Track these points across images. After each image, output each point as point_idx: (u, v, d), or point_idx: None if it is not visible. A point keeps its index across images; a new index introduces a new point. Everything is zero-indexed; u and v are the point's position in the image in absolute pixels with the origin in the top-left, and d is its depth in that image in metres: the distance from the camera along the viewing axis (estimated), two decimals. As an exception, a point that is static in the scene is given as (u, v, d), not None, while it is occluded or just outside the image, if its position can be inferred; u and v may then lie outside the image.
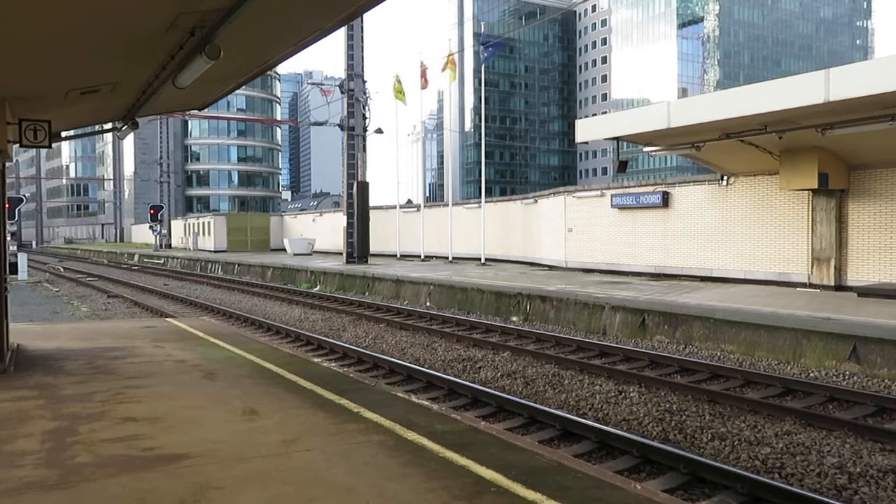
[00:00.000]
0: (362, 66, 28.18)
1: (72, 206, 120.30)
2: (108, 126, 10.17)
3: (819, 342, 10.36)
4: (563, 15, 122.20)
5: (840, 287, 15.26)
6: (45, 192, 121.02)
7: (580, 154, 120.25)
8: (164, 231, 56.70)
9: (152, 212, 54.65)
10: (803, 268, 16.19)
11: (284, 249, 42.93)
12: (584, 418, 7.37)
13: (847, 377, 9.53)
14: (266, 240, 48.63)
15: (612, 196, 21.44)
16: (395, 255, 33.68)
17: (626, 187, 21.32)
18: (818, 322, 10.60)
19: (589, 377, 9.78)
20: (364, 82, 28.26)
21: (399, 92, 30.47)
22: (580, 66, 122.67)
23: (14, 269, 21.58)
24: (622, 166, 15.95)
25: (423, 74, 29.49)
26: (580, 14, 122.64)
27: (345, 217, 28.81)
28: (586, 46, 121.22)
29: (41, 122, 7.46)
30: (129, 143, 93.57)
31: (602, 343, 11.97)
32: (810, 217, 15.93)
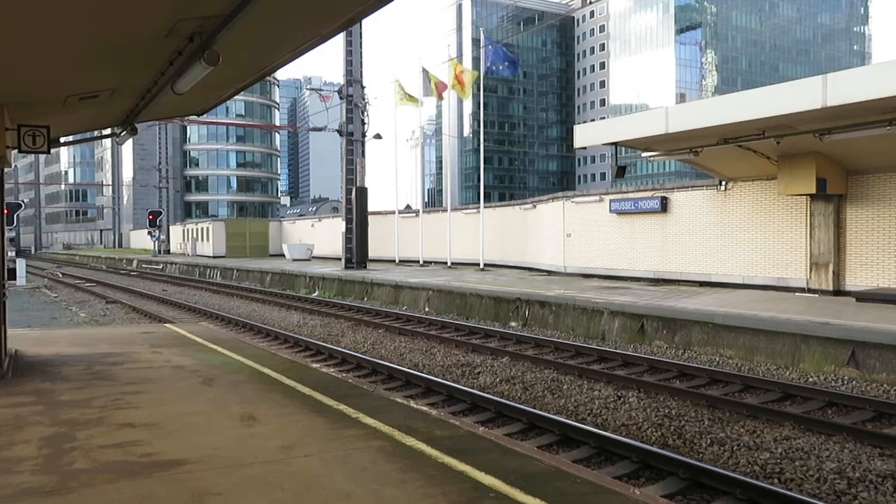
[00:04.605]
0: (361, 72, 28.23)
1: (70, 212, 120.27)
2: (107, 131, 10.18)
3: (818, 347, 10.36)
4: (562, 20, 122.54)
5: (838, 292, 15.28)
6: (43, 198, 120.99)
7: (578, 159, 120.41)
8: (163, 237, 56.70)
9: (151, 217, 54.67)
10: (802, 273, 16.21)
11: (283, 255, 42.92)
12: (583, 423, 7.36)
13: (846, 382, 9.53)
14: (265, 245, 48.62)
15: (610, 201, 21.47)
16: (394, 261, 33.68)
17: (624, 192, 21.35)
18: (817, 327, 10.61)
19: (588, 382, 9.77)
20: (363, 88, 28.31)
21: (404, 98, 30.49)
22: (578, 72, 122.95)
23: (12, 274, 21.57)
24: (620, 171, 15.97)
25: (438, 87, 29.51)
26: (578, 20, 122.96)
27: (343, 222, 28.82)
28: (584, 52, 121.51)
29: (40, 128, 7.47)
30: (127, 148, 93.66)
31: (601, 348, 11.96)
32: (808, 222, 15.95)
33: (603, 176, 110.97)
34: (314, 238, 44.04)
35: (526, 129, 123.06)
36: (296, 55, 5.86)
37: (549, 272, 24.17)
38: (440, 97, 31.01)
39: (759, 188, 17.14)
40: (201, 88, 6.14)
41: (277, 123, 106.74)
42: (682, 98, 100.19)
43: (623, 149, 16.31)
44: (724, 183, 17.94)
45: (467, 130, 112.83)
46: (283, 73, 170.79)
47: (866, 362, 9.75)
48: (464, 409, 8.32)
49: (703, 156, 15.23)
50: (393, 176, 35.66)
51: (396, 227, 33.89)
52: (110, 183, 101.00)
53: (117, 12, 4.37)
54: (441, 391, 9.07)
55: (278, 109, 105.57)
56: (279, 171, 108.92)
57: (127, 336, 10.84)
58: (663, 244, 19.74)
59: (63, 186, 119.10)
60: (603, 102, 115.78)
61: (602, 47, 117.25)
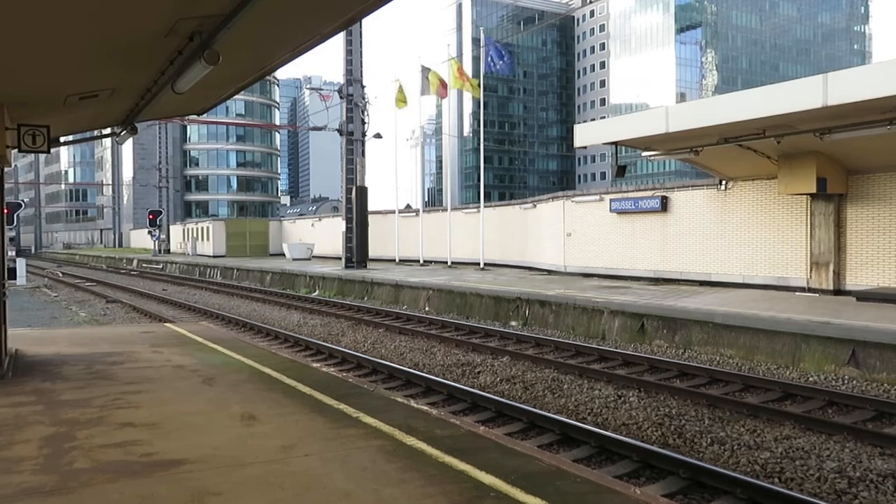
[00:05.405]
0: (361, 71, 28.22)
1: (70, 212, 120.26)
2: (107, 131, 10.18)
3: (818, 346, 10.36)
4: (562, 20, 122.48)
5: (839, 291, 15.27)
6: (43, 198, 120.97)
7: (579, 159, 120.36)
8: (163, 236, 56.71)
9: (151, 217, 54.69)
10: (802, 272, 16.20)
11: (283, 254, 42.93)
12: (584, 423, 7.36)
13: (846, 381, 9.53)
14: (265, 245, 48.62)
15: (610, 201, 21.46)
16: (394, 260, 33.68)
17: (624, 192, 21.35)
18: (817, 326, 10.60)
19: (588, 382, 9.77)
20: (363, 87, 28.30)
21: (400, 100, 30.54)
22: (578, 71, 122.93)
23: (13, 274, 21.57)
24: (621, 171, 15.96)
25: (441, 85, 29.52)
26: (578, 19, 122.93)
27: (344, 222, 28.82)
28: (585, 51, 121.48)
29: (40, 128, 7.47)
30: (127, 148, 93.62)
31: (601, 347, 11.96)
32: (809, 221, 15.94)
33: (603, 175, 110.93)
34: (314, 237, 44.04)
35: (526, 128, 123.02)
36: (296, 54, 5.86)
37: (550, 272, 24.17)
38: (443, 96, 30.96)
39: (760, 188, 17.14)
40: (201, 88, 6.14)
41: (277, 123, 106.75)
42: (682, 97, 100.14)
43: (623, 148, 16.31)
44: (724, 182, 17.94)
45: (467, 130, 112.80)
46: (282, 73, 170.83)
47: (867, 362, 9.75)
48: (464, 408, 8.32)
49: (703, 155, 15.22)
50: (393, 175, 35.68)
51: (396, 226, 33.88)
52: (110, 182, 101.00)
53: (117, 12, 4.36)
54: (441, 390, 9.07)
55: (278, 109, 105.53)
56: (279, 171, 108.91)
57: (127, 335, 10.84)
58: (663, 243, 19.73)
59: (63, 186, 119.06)
60: (603, 102, 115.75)
61: (602, 47, 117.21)
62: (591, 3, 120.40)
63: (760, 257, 17.15)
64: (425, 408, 6.40)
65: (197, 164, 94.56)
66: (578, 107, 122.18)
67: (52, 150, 8.19)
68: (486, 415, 7.96)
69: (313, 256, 40.95)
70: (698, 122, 13.20)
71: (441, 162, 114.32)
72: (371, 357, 11.35)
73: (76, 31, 4.81)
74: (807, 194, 15.37)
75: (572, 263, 23.00)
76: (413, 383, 9.66)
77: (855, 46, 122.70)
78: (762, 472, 6.05)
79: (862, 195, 15.21)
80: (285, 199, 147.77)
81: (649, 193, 20.31)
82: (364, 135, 28.58)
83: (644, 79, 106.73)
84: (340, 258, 29.22)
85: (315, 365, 9.31)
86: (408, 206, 49.05)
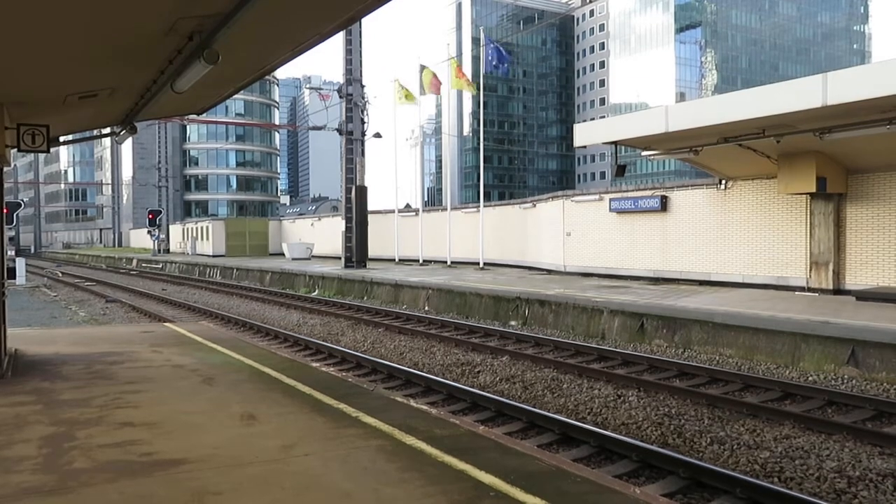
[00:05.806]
0: (361, 71, 28.22)
1: (70, 211, 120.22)
2: (107, 130, 10.18)
3: (817, 346, 10.36)
4: (561, 19, 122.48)
5: (838, 291, 15.28)
6: (43, 197, 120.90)
7: (578, 158, 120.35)
8: (163, 236, 56.71)
9: (151, 216, 54.68)
10: (802, 272, 16.21)
11: (283, 254, 42.94)
12: (583, 422, 7.36)
13: (845, 381, 9.53)
14: (264, 244, 48.62)
15: (610, 200, 21.47)
16: (394, 260, 33.70)
17: (624, 191, 21.35)
18: (816, 326, 10.61)
19: (588, 381, 9.77)
20: (363, 87, 28.30)
21: (405, 96, 30.56)
22: (578, 71, 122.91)
23: (12, 273, 21.57)
24: (620, 170, 15.97)
25: (433, 83, 29.52)
26: (578, 19, 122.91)
27: (343, 221, 28.81)
28: (584, 51, 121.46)
29: (39, 127, 7.46)
30: (127, 147, 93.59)
31: (601, 347, 11.96)
32: (808, 221, 15.95)
33: (603, 175, 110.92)
34: (314, 237, 44.05)
35: (526, 128, 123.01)
36: (295, 54, 5.85)
37: (549, 271, 24.17)
38: (436, 92, 30.96)
39: (759, 187, 17.14)
40: (201, 87, 6.14)
41: (277, 122, 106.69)
42: (681, 97, 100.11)
43: (623, 147, 16.31)
44: (724, 182, 17.94)
45: (467, 129, 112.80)
46: (282, 72, 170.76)
47: (866, 361, 9.75)
48: (464, 407, 8.32)
49: (703, 155, 15.22)
50: (393, 175, 35.66)
51: (396, 226, 33.89)
52: (110, 182, 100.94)
53: (117, 11, 4.36)
54: (441, 390, 9.07)
55: (278, 108, 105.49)
56: (279, 171, 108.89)
57: (126, 335, 10.83)
58: (663, 243, 19.74)
59: (63, 185, 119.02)
60: (603, 101, 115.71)
61: (602, 46, 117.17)
62: (590, 2, 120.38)
63: (760, 257, 17.15)
64: (425, 407, 6.40)
65: (196, 164, 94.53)
66: (578, 106, 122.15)
67: (52, 150, 8.20)
68: (486, 414, 7.96)
69: (313, 256, 40.95)
70: (698, 121, 13.21)
71: (441, 161, 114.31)
72: (370, 357, 11.34)
73: (76, 31, 4.81)
74: (806, 194, 15.38)
75: (572, 263, 23.00)
76: (413, 383, 9.66)
77: (855, 46, 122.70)
78: (762, 471, 6.05)
79: (862, 195, 15.21)
80: (285, 199, 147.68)
81: (649, 193, 20.31)
82: (364, 134, 28.59)
83: (644, 78, 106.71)
84: (340, 258, 29.23)
85: (315, 364, 9.31)
86: (407, 206, 49.04)
